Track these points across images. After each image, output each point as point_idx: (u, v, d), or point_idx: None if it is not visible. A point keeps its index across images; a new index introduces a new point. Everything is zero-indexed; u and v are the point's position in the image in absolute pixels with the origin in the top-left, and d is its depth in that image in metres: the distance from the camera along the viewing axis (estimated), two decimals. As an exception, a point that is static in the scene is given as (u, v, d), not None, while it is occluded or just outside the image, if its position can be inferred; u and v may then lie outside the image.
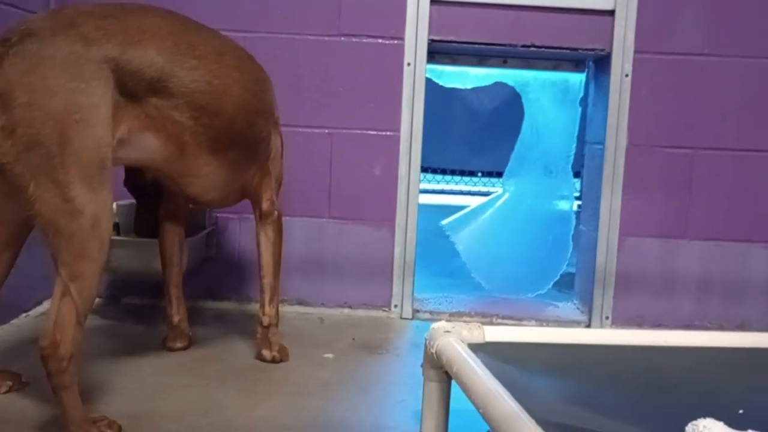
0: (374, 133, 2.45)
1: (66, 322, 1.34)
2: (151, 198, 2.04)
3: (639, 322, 2.52)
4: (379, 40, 2.42)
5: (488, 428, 1.20)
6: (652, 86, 2.44)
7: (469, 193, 6.27)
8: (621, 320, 2.52)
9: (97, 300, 2.34)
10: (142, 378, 1.77)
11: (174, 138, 1.56)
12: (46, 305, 2.26)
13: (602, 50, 2.46)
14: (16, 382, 1.64)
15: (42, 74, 1.31)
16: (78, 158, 1.33)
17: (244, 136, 1.72)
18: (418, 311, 2.52)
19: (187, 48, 1.55)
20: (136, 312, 2.37)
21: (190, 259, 2.14)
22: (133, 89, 1.45)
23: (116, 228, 2.16)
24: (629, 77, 2.44)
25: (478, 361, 1.33)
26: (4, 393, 1.61)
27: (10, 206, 1.46)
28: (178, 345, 2.00)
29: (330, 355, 2.03)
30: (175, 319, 2.01)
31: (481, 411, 1.19)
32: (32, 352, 1.67)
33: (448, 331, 1.47)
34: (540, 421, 1.07)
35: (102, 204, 1.37)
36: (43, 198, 1.32)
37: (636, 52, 2.43)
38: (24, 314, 2.21)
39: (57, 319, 1.34)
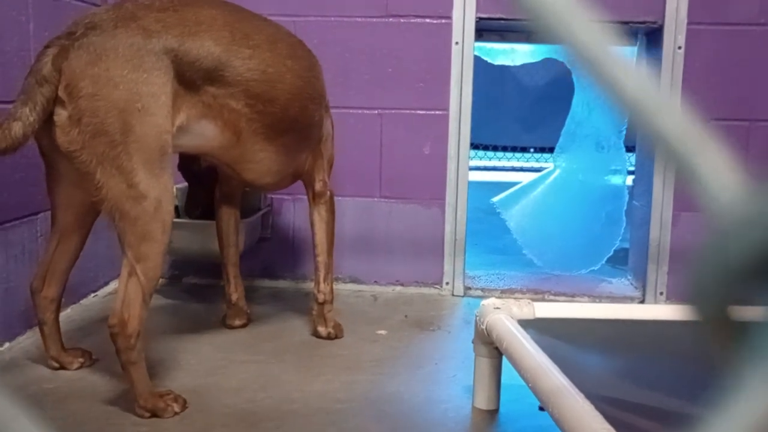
0: (423, 112, 2.47)
1: (133, 301, 1.41)
2: (202, 183, 2.11)
3: (694, 298, 2.49)
4: (427, 20, 2.43)
5: (538, 402, 1.23)
6: (705, 58, 2.40)
7: (521, 169, 6.23)
8: (676, 296, 2.50)
9: (160, 280, 2.43)
10: (203, 354, 1.84)
11: (230, 125, 1.61)
12: (112, 286, 2.36)
13: (654, 23, 2.41)
14: (87, 358, 1.73)
15: (105, 66, 1.37)
16: (140, 145, 1.39)
17: (297, 122, 1.76)
18: (469, 288, 2.55)
19: (241, 38, 1.59)
20: (196, 291, 2.45)
21: (247, 240, 2.20)
22: (191, 79, 1.50)
23: (176, 211, 2.24)
24: (682, 50, 2.39)
25: (528, 336, 1.35)
26: (76, 369, 1.69)
27: (78, 192, 1.54)
28: (237, 323, 2.06)
29: (383, 332, 2.07)
30: (234, 297, 2.08)
31: (530, 385, 1.22)
32: (101, 330, 1.77)
33: (498, 308, 1.50)
34: (589, 396, 1.09)
35: (164, 188, 1.43)
36: (109, 184, 1.39)
37: (689, 23, 2.38)
38: (92, 294, 2.30)
39: (124, 299, 1.41)
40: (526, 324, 1.45)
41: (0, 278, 1.79)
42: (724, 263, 0.21)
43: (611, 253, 2.77)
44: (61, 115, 1.38)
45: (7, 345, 1.82)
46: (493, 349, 1.50)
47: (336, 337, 1.99)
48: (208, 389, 1.61)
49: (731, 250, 0.21)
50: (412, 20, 2.43)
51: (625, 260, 2.79)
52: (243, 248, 2.14)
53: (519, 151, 6.82)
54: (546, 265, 2.80)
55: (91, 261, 2.20)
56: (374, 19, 2.43)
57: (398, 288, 2.53)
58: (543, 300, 2.34)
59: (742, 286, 0.22)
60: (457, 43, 2.42)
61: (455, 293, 2.51)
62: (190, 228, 2.18)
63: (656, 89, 0.24)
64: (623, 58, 0.24)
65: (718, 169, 0.22)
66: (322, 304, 1.98)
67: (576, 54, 0.24)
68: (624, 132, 2.80)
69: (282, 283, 2.55)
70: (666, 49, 2.40)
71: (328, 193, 1.96)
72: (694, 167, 0.23)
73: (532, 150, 6.75)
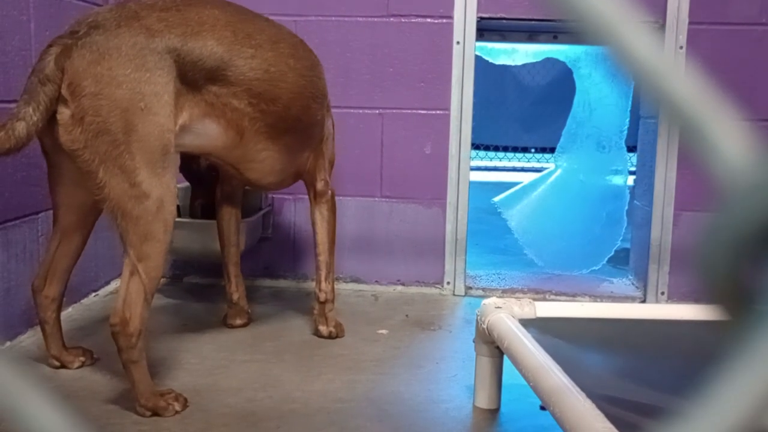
0: (424, 112, 2.47)
1: (134, 301, 1.41)
2: (204, 184, 2.11)
3: (696, 298, 2.49)
4: (428, 20, 2.43)
5: (539, 402, 1.23)
6: (707, 58, 2.39)
7: (522, 169, 6.23)
8: (677, 296, 2.50)
9: (161, 280, 2.43)
10: (204, 354, 1.84)
11: (233, 124, 1.61)
12: (113, 285, 2.36)
13: (655, 22, 2.41)
14: (88, 357, 1.73)
15: (108, 65, 1.37)
16: (143, 145, 1.39)
17: (299, 121, 1.76)
18: (470, 288, 2.55)
19: (244, 38, 1.60)
20: (197, 291, 2.45)
21: (248, 239, 2.20)
22: (193, 78, 1.50)
23: (177, 210, 2.24)
24: (683, 49, 2.39)
25: (529, 336, 1.35)
26: (77, 368, 1.69)
27: (80, 192, 1.54)
28: (238, 322, 2.06)
29: (384, 332, 2.07)
30: (235, 297, 2.08)
31: (531, 385, 1.22)
32: (102, 329, 1.77)
33: (499, 307, 1.50)
34: (590, 395, 1.09)
35: (166, 188, 1.44)
36: (111, 183, 1.39)
37: (690, 23, 2.38)
38: (93, 294, 2.30)
39: (126, 298, 1.41)
40: (528, 323, 1.45)
41: (1, 277, 1.79)
42: (733, 230, 0.21)
43: (612, 253, 2.77)
44: (63, 114, 1.38)
45: (8, 344, 1.82)
46: (494, 348, 1.50)
47: (337, 337, 1.99)
48: (209, 388, 1.61)
49: (740, 217, 0.21)
50: (413, 20, 2.43)
51: (626, 260, 2.79)
52: (244, 248, 2.14)
53: (520, 151, 6.83)
54: (547, 265, 2.80)
55: (92, 260, 2.20)
56: (375, 19, 2.43)
57: (399, 288, 2.53)
58: (544, 299, 2.34)
59: (752, 254, 0.21)
60: (458, 42, 2.42)
61: (456, 293, 2.51)
62: (191, 227, 2.18)
63: (667, 56, 0.24)
64: (635, 22, 0.24)
65: (729, 136, 0.22)
66: (323, 303, 1.99)
67: (590, 18, 0.24)
68: (625, 132, 2.80)
69: (283, 283, 2.55)
70: (668, 48, 2.40)
71: (330, 192, 1.96)
72: (704, 134, 0.23)
73: (533, 150, 6.75)
